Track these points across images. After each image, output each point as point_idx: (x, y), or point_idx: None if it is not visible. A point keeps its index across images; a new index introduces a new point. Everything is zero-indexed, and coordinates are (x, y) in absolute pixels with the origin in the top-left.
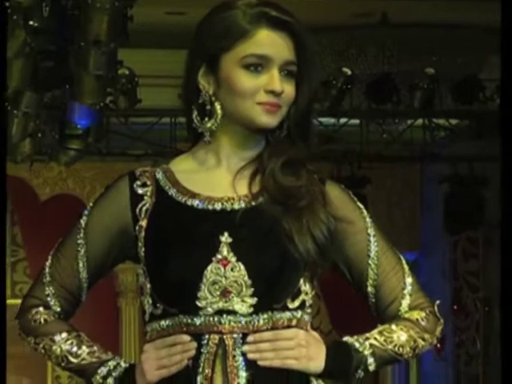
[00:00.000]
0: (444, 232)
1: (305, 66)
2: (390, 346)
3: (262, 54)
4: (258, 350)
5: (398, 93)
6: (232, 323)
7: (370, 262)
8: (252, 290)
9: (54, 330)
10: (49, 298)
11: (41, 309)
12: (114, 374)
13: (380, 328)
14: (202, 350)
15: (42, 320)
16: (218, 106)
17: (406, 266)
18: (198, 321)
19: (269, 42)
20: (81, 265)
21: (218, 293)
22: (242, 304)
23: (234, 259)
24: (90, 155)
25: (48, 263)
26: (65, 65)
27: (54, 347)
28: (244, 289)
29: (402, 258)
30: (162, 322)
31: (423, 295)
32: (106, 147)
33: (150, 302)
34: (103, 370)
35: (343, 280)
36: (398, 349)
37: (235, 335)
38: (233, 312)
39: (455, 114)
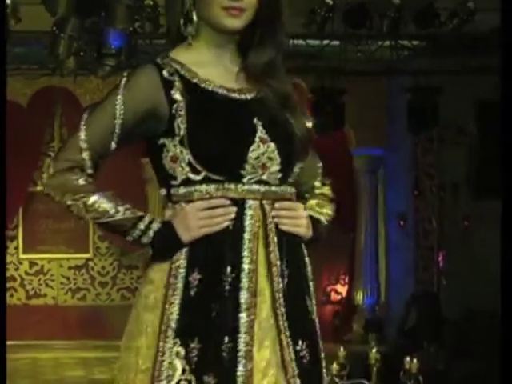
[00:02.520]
0: (407, 132)
1: None
2: (323, 217)
3: None
4: (280, 216)
5: (370, 19)
6: (267, 192)
7: None
8: (279, 165)
9: (94, 190)
10: (85, 162)
11: (77, 170)
12: (152, 227)
13: (313, 202)
14: (245, 212)
15: (82, 181)
16: (194, 14)
17: (316, 154)
18: (240, 188)
19: None
20: (114, 134)
21: (258, 166)
22: (272, 176)
23: (268, 139)
24: (122, 70)
25: (83, 133)
26: None
27: (96, 204)
28: (274, 164)
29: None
30: (204, 187)
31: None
32: (134, 64)
33: (188, 169)
34: (141, 225)
35: None
36: (325, 217)
37: (269, 201)
38: (267, 183)
39: (416, 36)
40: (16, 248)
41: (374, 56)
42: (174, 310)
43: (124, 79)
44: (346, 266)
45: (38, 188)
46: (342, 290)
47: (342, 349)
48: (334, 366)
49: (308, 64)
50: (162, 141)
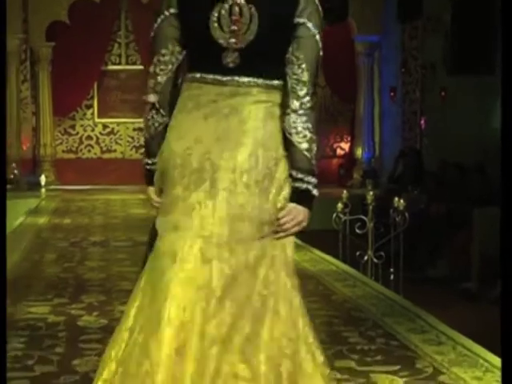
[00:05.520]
0: (397, 22)
1: None
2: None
3: None
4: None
5: None
6: None
7: None
8: None
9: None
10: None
11: None
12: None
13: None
14: None
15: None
16: None
17: None
18: None
19: None
20: None
21: None
22: None
23: None
24: None
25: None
26: None
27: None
28: None
29: None
30: None
31: None
32: None
33: None
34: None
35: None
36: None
37: None
38: None
39: None
40: (92, 114)
41: None
42: None
43: None
44: (349, 128)
45: (109, 67)
46: (345, 146)
47: (345, 192)
48: (339, 205)
49: None
50: None
